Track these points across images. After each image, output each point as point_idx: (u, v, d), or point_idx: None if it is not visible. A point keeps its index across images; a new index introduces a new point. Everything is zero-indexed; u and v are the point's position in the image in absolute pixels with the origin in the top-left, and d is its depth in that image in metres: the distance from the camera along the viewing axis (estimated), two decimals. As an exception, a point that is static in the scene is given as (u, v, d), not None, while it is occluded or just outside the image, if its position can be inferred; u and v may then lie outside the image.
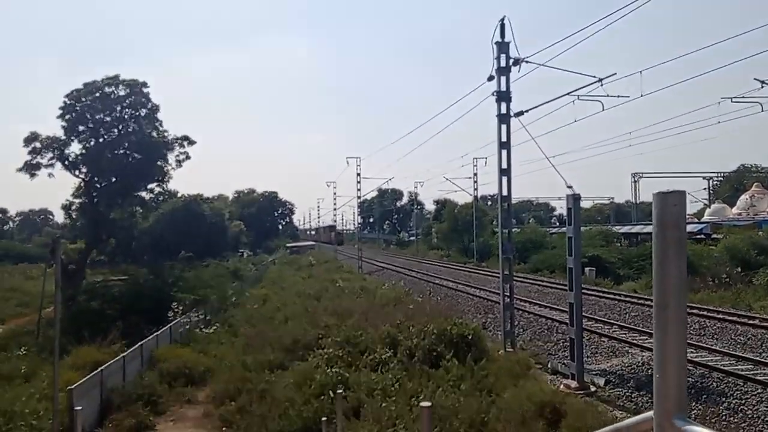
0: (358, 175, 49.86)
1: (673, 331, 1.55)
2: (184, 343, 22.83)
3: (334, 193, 68.17)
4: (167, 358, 19.03)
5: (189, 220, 60.38)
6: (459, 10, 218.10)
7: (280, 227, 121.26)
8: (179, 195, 63.22)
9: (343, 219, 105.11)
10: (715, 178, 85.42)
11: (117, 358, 16.96)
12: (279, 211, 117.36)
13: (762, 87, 20.03)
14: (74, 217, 48.92)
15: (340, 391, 10.84)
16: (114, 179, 44.26)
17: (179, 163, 47.48)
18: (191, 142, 47.89)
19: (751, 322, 20.38)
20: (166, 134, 46.63)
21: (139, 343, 19.10)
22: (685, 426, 1.52)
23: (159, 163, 45.82)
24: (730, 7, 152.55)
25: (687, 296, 1.61)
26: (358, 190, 51.00)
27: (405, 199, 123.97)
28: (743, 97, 21.33)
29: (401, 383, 12.84)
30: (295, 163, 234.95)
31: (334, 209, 73.32)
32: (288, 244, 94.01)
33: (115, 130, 44.69)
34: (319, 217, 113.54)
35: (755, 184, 71.12)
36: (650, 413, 1.63)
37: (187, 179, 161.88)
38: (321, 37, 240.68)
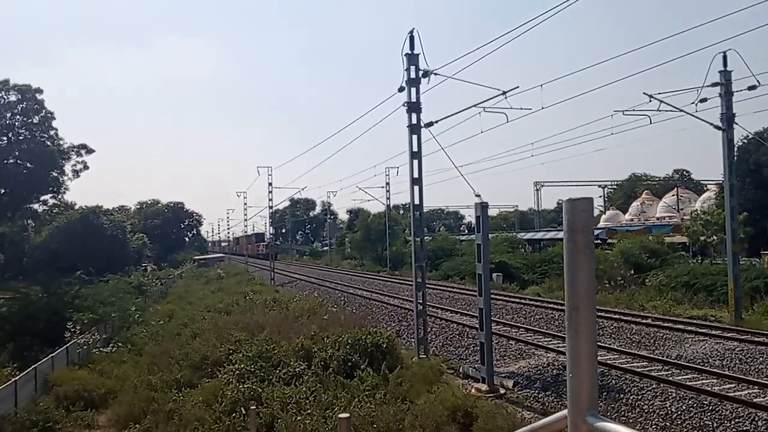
0: (270, 184, 49.03)
1: (584, 332, 1.60)
2: (83, 364, 21.50)
3: (245, 204, 66.68)
4: (64, 380, 17.82)
5: (87, 234, 56.78)
6: (374, 21, 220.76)
7: (187, 239, 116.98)
8: (76, 207, 59.70)
9: (254, 230, 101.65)
10: (610, 186, 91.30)
11: (8, 383, 15.71)
12: (185, 223, 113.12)
13: (650, 101, 21.54)
14: (-44, 232, 45.03)
15: (253, 407, 10.57)
16: (3, 191, 41.17)
17: (76, 173, 45.09)
18: (89, 151, 45.65)
19: (644, 321, 21.85)
20: (61, 142, 44.02)
21: (33, 366, 17.77)
22: (597, 423, 1.58)
23: (54, 173, 43.13)
24: (624, 26, 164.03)
25: (596, 298, 1.67)
26: (270, 200, 50.15)
27: (318, 209, 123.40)
28: (634, 109, 22.83)
29: (316, 395, 12.69)
30: (203, 173, 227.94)
31: (245, 220, 71.81)
32: (195, 257, 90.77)
33: (5, 138, 41.70)
34: (228, 228, 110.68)
35: (645, 191, 76.72)
36: (564, 412, 1.67)
37: (85, 190, 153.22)
38: (230, 42, 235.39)
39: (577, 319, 1.61)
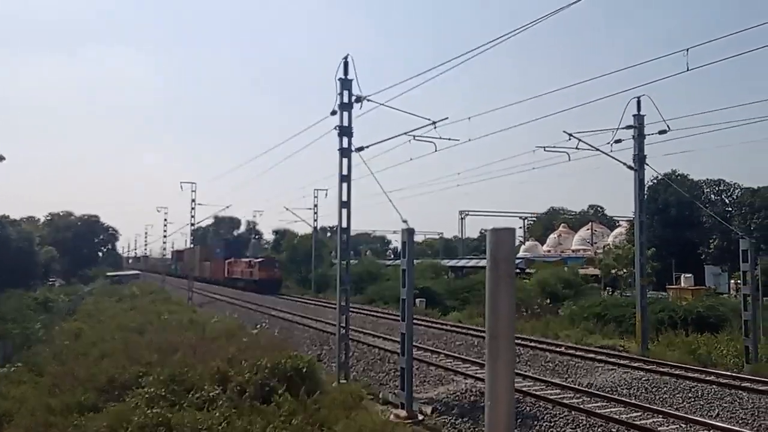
0: (193, 201, 47.56)
1: (503, 360, 1.60)
2: (-24, 385, 19.87)
3: (165, 219, 64.08)
4: (-48, 403, 16.37)
5: (-10, 245, 53.14)
6: (311, 45, 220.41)
7: (101, 254, 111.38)
8: (-21, 216, 55.84)
9: (173, 247, 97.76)
10: (530, 218, 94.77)
11: None
12: (100, 237, 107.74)
13: (570, 139, 22.49)
14: None
15: (162, 432, 10.05)
16: None
17: (-19, 179, 42.05)
18: (-2, 157, 42.70)
19: (558, 349, 22.58)
20: (-34, 146, 41.13)
21: None
22: (513, 453, 1.57)
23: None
24: (547, 67, 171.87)
25: (515, 326, 1.68)
26: (192, 216, 48.58)
27: (243, 228, 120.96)
28: (554, 146, 23.72)
29: (230, 422, 12.22)
30: (121, 187, 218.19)
31: (164, 236, 69.16)
32: (109, 273, 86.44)
33: None
34: (146, 245, 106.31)
35: (562, 224, 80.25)
36: (481, 442, 1.66)
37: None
38: (161, 57, 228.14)
39: (496, 347, 1.61)
